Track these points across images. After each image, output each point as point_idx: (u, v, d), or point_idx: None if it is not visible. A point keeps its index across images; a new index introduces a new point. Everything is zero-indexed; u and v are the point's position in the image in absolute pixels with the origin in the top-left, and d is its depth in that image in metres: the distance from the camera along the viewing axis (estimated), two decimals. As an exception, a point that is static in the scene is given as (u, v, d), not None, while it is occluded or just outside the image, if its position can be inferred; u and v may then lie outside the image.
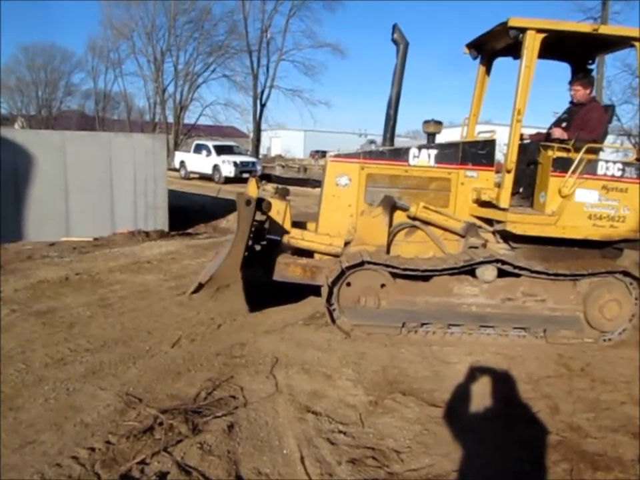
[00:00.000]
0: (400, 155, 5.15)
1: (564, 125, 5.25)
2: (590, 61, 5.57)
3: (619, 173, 4.79)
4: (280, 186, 5.68)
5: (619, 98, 21.89)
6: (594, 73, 5.60)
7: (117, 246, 8.86)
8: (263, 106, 33.79)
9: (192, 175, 24.54)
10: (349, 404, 3.60)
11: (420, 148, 5.15)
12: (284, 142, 62.42)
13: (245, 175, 23.22)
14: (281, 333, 4.85)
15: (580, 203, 4.81)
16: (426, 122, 5.27)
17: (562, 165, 4.80)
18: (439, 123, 5.25)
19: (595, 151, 5.01)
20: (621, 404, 3.78)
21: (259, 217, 5.26)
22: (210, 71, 33.50)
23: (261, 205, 5.38)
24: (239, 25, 32.68)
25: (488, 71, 5.82)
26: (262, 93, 33.65)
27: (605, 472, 2.95)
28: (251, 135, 39.50)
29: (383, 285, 4.84)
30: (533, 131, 5.89)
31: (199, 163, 23.78)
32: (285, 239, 5.17)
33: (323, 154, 55.17)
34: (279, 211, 5.35)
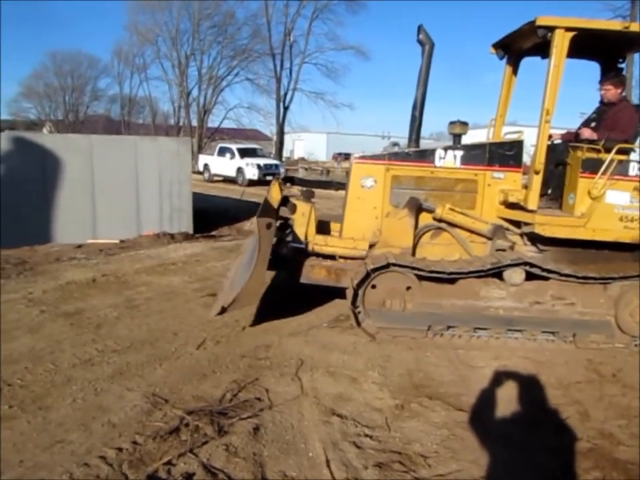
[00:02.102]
0: (426, 156, 5.10)
1: (593, 125, 5.14)
2: (620, 60, 5.45)
3: (652, 174, 4.66)
4: (304, 188, 5.66)
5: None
6: (624, 72, 5.46)
7: (142, 248, 8.97)
8: (285, 109, 33.98)
9: (215, 178, 24.73)
10: (374, 407, 3.57)
11: (446, 149, 5.10)
12: (307, 144, 62.56)
13: (269, 178, 23.36)
14: (305, 336, 4.84)
15: (610, 205, 4.70)
16: (452, 123, 5.21)
17: (591, 166, 4.70)
18: (465, 124, 5.18)
19: (626, 152, 4.88)
20: (654, 411, 3.68)
21: (286, 214, 5.29)
22: (233, 75, 33.86)
23: (285, 205, 5.41)
24: (262, 28, 32.95)
25: (515, 71, 5.73)
26: (285, 95, 33.87)
27: (641, 481, 2.87)
28: (274, 137, 39.71)
29: (408, 288, 4.80)
30: (559, 133, 5.79)
31: (223, 165, 23.95)
32: (310, 246, 5.15)
33: (346, 156, 55.41)
34: (303, 213, 5.34)
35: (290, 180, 25.37)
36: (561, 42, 4.50)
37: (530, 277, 4.75)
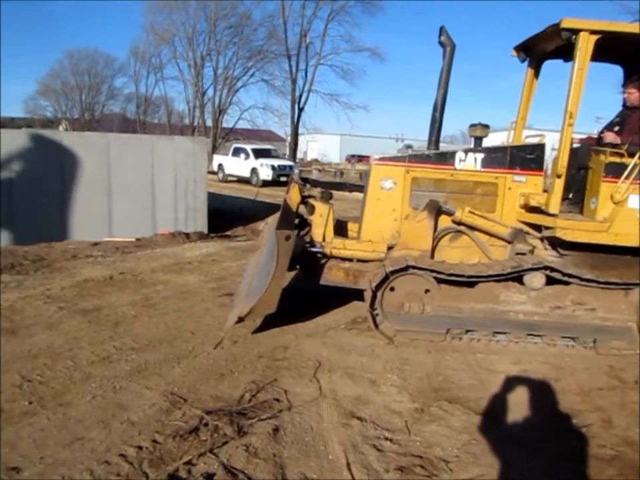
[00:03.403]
0: (446, 158, 5.07)
1: (616, 129, 5.07)
2: (644, 63, 5.38)
3: (677, 179, 4.59)
4: (323, 189, 5.64)
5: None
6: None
7: (158, 247, 9.02)
8: (300, 110, 34.01)
9: (230, 178, 24.82)
10: (394, 410, 3.55)
11: (466, 152, 5.05)
12: (320, 146, 62.56)
13: (283, 179, 23.39)
14: (323, 337, 4.82)
15: (633, 210, 4.63)
16: (472, 125, 5.17)
17: (614, 170, 4.63)
18: (486, 127, 5.14)
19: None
20: (678, 420, 3.61)
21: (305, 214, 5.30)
22: (249, 75, 33.96)
23: (304, 205, 5.40)
24: (278, 29, 33.04)
25: (536, 74, 5.68)
26: (300, 97, 33.89)
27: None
28: (288, 138, 39.77)
29: (427, 291, 4.77)
30: (578, 137, 5.72)
31: (237, 165, 24.02)
32: (327, 249, 5.13)
33: (359, 158, 55.37)
34: (321, 214, 5.33)
35: (304, 181, 25.39)
36: (585, 45, 4.44)
37: (550, 281, 4.70)
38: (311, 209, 5.36)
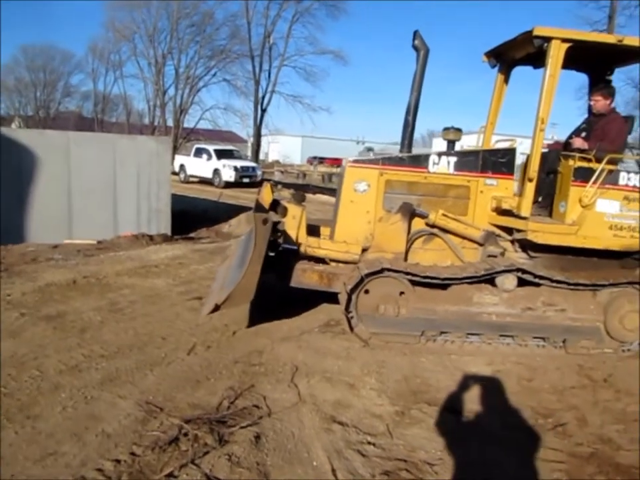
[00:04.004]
0: (419, 161, 5.10)
1: (583, 135, 5.20)
2: (608, 72, 5.55)
3: (640, 184, 4.75)
4: (295, 191, 5.59)
5: (622, 110, 21.94)
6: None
7: (121, 249, 8.75)
8: (263, 111, 33.75)
9: (191, 179, 24.42)
10: (374, 414, 3.53)
11: (440, 155, 5.10)
12: (281, 147, 62.44)
13: (245, 180, 23.20)
14: (297, 341, 4.77)
15: (601, 213, 4.76)
16: (445, 129, 5.22)
17: (583, 175, 4.76)
18: (459, 130, 5.20)
19: (615, 162, 4.96)
20: (648, 416, 3.73)
21: (276, 218, 5.20)
22: (211, 75, 33.47)
23: (276, 209, 5.33)
24: (241, 29, 32.72)
25: (506, 80, 5.78)
26: (263, 98, 33.64)
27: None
28: (250, 140, 39.47)
29: (401, 293, 4.78)
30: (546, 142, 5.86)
31: (199, 166, 23.65)
32: (302, 248, 5.09)
33: (321, 160, 55.39)
34: (294, 216, 5.27)
35: (276, 183, 25.27)
36: (556, 52, 4.55)
37: (521, 283, 4.78)
38: (284, 211, 5.29)
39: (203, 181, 24.01)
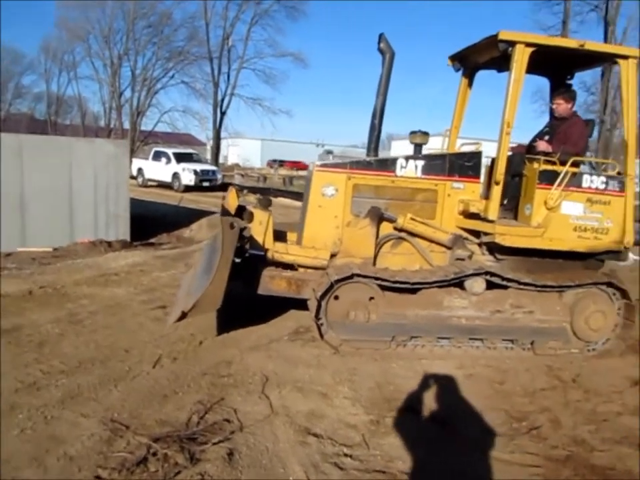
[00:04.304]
0: (387, 165, 5.07)
1: (546, 138, 5.29)
2: (569, 76, 5.67)
3: (602, 186, 4.85)
4: (261, 196, 5.49)
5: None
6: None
7: (78, 257, 8.43)
8: (223, 114, 33.31)
9: (149, 183, 23.88)
10: (349, 424, 3.46)
11: (407, 159, 5.08)
12: (241, 150, 61.93)
13: (205, 184, 22.84)
14: (266, 350, 4.65)
15: (565, 215, 4.84)
16: (412, 133, 5.21)
17: (548, 178, 4.82)
18: (426, 134, 5.20)
19: (577, 164, 5.05)
20: (617, 415, 3.80)
21: (242, 223, 5.07)
22: (169, 77, 32.82)
23: (241, 214, 5.21)
24: (199, 31, 32.21)
25: (470, 84, 5.84)
26: (222, 100, 33.21)
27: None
28: (208, 142, 38.98)
29: (371, 298, 4.73)
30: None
31: (158, 170, 23.15)
32: (269, 253, 4.98)
33: (281, 163, 55.17)
34: (261, 222, 5.16)
35: (241, 188, 24.95)
36: (521, 57, 4.60)
37: (490, 286, 4.81)
38: (250, 216, 5.17)
39: (162, 185, 23.52)
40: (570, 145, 5.02)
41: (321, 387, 3.97)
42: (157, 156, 23.50)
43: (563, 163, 4.77)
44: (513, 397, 4.01)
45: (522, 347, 4.90)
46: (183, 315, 4.25)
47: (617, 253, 4.98)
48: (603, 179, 4.86)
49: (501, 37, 4.58)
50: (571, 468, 3.08)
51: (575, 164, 4.88)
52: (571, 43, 4.75)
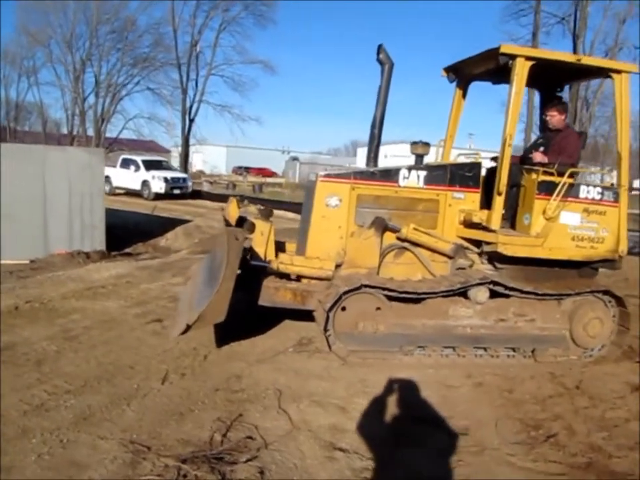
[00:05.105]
0: (390, 175, 5.09)
1: (541, 149, 5.41)
2: (559, 89, 5.84)
3: (598, 197, 5.00)
4: (262, 206, 5.44)
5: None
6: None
7: (58, 269, 8.16)
8: (191, 121, 32.91)
9: (117, 191, 23.35)
10: (373, 437, 3.43)
11: (410, 169, 5.12)
12: (206, 158, 61.25)
13: (176, 191, 22.49)
14: (274, 362, 4.59)
15: (564, 225, 4.95)
16: (414, 143, 5.25)
17: (546, 188, 4.93)
18: (427, 145, 5.25)
19: (573, 175, 5.19)
20: (626, 421, 3.88)
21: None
22: (134, 84, 32.22)
23: (242, 225, 5.14)
24: (165, 37, 31.79)
25: (464, 94, 5.93)
26: (191, 107, 32.83)
27: (645, 493, 2.99)
28: (174, 149, 38.51)
29: (378, 309, 4.73)
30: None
31: (126, 178, 22.66)
32: (274, 264, 4.93)
33: (247, 170, 54.77)
34: (262, 232, 5.12)
35: (197, 194, 24.64)
36: (521, 70, 4.71)
37: (492, 295, 4.87)
38: (251, 227, 5.11)
39: (130, 193, 23.04)
40: (565, 156, 5.15)
41: (336, 399, 3.93)
42: (125, 163, 23.02)
43: (561, 174, 4.89)
44: (525, 405, 4.06)
45: (523, 355, 4.98)
46: (187, 328, 4.16)
47: (611, 262, 5.13)
48: (599, 190, 5.01)
49: (503, 50, 4.68)
50: (594, 474, 3.14)
51: (572, 175, 5.01)
52: (568, 57, 4.89)
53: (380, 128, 5.29)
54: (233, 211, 5.20)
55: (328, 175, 5.13)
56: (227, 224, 4.91)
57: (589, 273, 5.30)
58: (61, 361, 4.34)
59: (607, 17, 22.12)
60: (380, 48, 5.16)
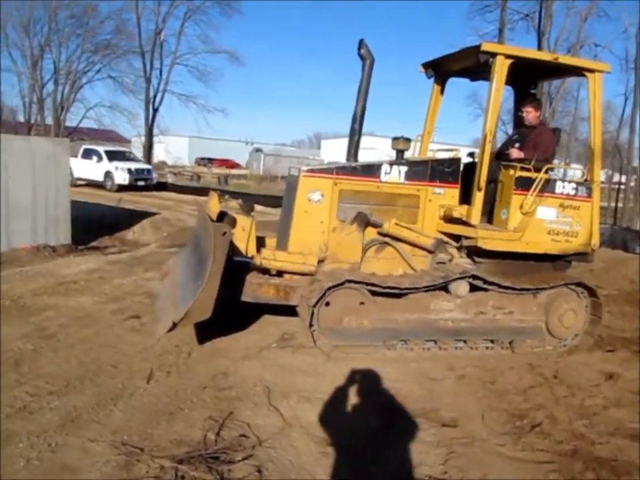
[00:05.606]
0: (372, 171, 5.12)
1: (517, 145, 5.53)
2: (533, 86, 5.97)
3: (572, 192, 5.15)
4: (243, 201, 5.38)
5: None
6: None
7: (24, 264, 7.88)
8: (155, 110, 32.09)
9: (79, 182, 22.67)
10: (365, 432, 3.47)
11: (391, 164, 5.15)
12: (169, 148, 60.07)
13: (140, 183, 22.00)
14: (259, 359, 4.57)
15: (541, 220, 5.09)
16: (395, 139, 5.29)
17: (523, 184, 5.05)
18: (408, 140, 5.30)
19: (548, 171, 5.33)
20: (604, 408, 4.04)
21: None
22: (95, 71, 31.19)
23: (222, 220, 5.08)
24: (127, 24, 30.84)
25: (442, 90, 6.00)
26: (155, 97, 31.99)
27: (629, 477, 3.12)
28: (136, 139, 37.63)
29: (361, 303, 4.77)
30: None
31: (88, 169, 22.00)
32: (257, 260, 4.89)
33: (210, 161, 53.95)
34: (244, 228, 5.09)
35: (162, 186, 24.17)
36: (501, 68, 4.80)
37: (472, 288, 4.97)
38: (232, 222, 5.06)
39: (92, 185, 22.42)
40: (540, 152, 5.28)
41: (325, 395, 3.95)
42: (87, 154, 22.35)
43: (538, 170, 5.01)
44: (507, 395, 4.17)
45: (501, 347, 5.11)
46: (174, 326, 4.10)
47: (585, 255, 5.31)
48: (573, 185, 5.16)
49: (484, 48, 4.75)
50: (580, 462, 3.26)
51: (547, 170, 5.15)
52: (546, 55, 5.02)
53: (361, 123, 5.29)
54: (214, 205, 5.14)
55: (311, 170, 5.11)
56: (211, 218, 4.84)
57: (562, 266, 5.47)
58: (39, 361, 4.21)
59: (570, 15, 22.78)
60: (361, 43, 5.15)
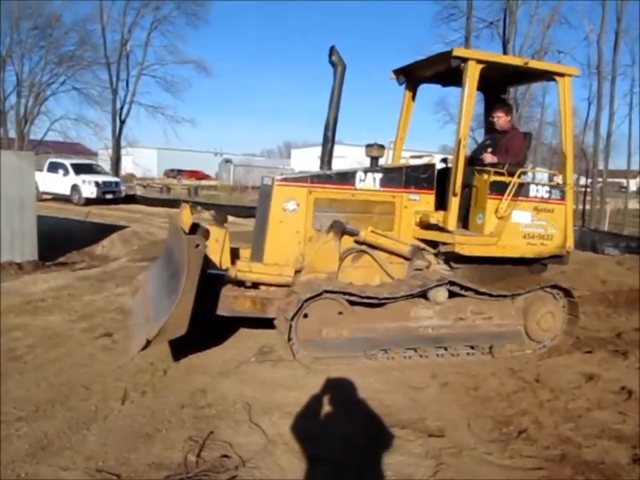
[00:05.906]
0: (347, 178, 5.07)
1: (489, 150, 5.55)
2: (503, 91, 6.02)
3: (546, 195, 5.19)
4: (216, 212, 5.27)
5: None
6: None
7: (-12, 282, 7.58)
8: (122, 122, 31.54)
9: (44, 196, 22.11)
10: (351, 445, 3.38)
11: (366, 171, 5.11)
12: (137, 160, 59.24)
13: (109, 196, 21.59)
14: (238, 374, 4.44)
15: (516, 224, 5.11)
16: (369, 146, 5.26)
17: (498, 188, 5.06)
18: (382, 147, 5.28)
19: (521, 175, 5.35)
20: (588, 410, 4.03)
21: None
22: (59, 83, 30.50)
23: (195, 232, 4.96)
24: (92, 35, 30.29)
25: (414, 97, 6.01)
26: (122, 108, 31.45)
27: (618, 479, 3.11)
28: (102, 152, 36.92)
29: (340, 313, 4.69)
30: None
31: (54, 182, 21.46)
32: (232, 272, 4.77)
33: (179, 172, 53.29)
34: (217, 239, 4.98)
35: (131, 199, 23.75)
36: (473, 73, 4.82)
37: (450, 295, 4.95)
38: (205, 234, 4.94)
39: (59, 199, 21.89)
40: (512, 156, 5.31)
41: (307, 409, 3.85)
42: (53, 167, 21.83)
43: (511, 174, 5.04)
44: (491, 402, 4.14)
45: (481, 352, 5.09)
46: (148, 343, 3.95)
47: (560, 257, 5.35)
48: (547, 188, 5.20)
49: (455, 53, 4.77)
50: (569, 467, 3.23)
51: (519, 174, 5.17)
52: (517, 61, 5.07)
53: (334, 130, 5.23)
54: (186, 217, 5.02)
55: (285, 179, 5.03)
56: (183, 231, 4.71)
57: (538, 269, 5.50)
58: (7, 385, 4.00)
59: (533, 22, 23.30)
60: (332, 50, 5.11)
